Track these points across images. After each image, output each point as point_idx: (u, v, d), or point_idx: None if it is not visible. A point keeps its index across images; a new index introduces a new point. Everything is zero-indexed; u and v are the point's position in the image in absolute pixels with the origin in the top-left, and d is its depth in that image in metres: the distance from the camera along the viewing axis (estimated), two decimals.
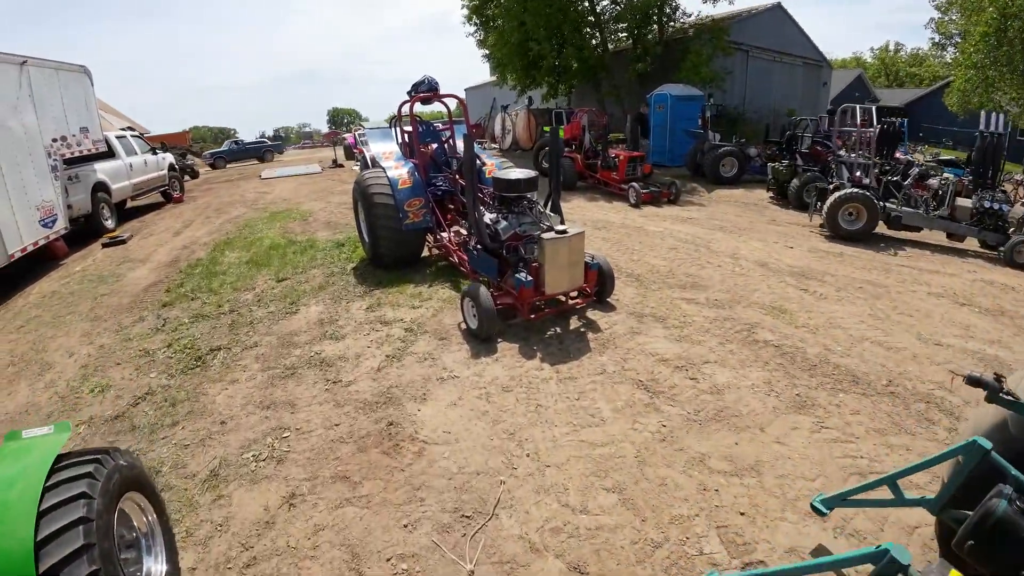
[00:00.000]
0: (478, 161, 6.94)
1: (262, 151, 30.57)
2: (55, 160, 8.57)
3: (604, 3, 17.83)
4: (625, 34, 18.49)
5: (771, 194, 12.16)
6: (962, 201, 8.17)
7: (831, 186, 9.07)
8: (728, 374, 4.10)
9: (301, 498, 3.12)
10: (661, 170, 14.97)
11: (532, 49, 16.84)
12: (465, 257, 5.92)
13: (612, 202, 11.54)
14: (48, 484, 2.06)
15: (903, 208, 8.45)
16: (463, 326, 5.05)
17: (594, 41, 18.01)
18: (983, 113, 8.92)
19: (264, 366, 4.71)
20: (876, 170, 9.07)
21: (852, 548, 2.57)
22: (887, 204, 8.51)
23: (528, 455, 3.26)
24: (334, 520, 2.91)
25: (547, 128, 17.70)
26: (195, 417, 4.06)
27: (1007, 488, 1.81)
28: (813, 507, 2.69)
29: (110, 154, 11.46)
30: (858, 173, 8.98)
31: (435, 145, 7.42)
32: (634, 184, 11.16)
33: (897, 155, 11.08)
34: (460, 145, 6.49)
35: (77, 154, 9.67)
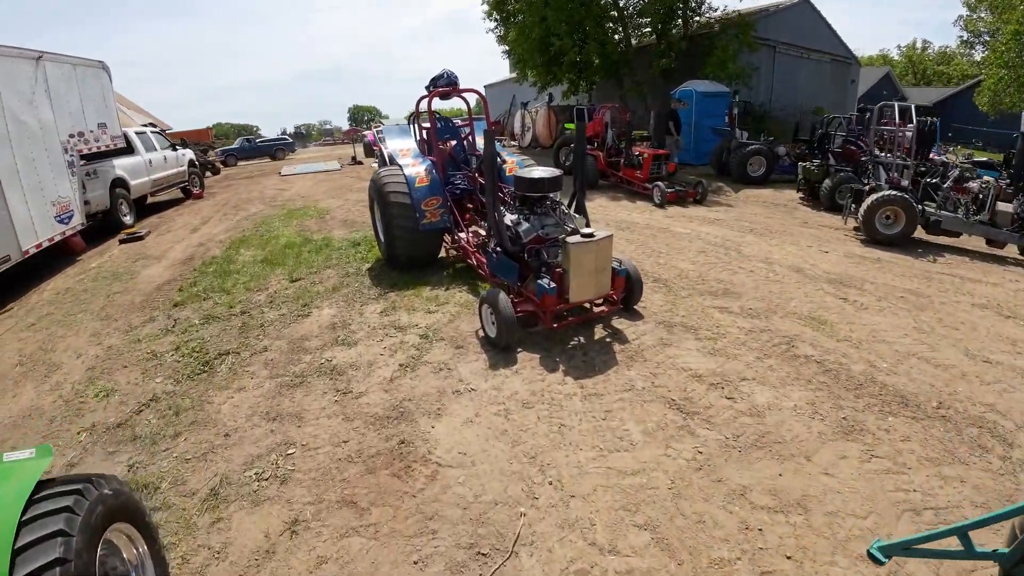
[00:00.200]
0: (498, 159, 6.66)
1: (273, 149, 30.73)
2: (72, 156, 8.51)
3: None
4: (649, 29, 18.00)
5: (801, 194, 11.68)
6: (1003, 206, 7.66)
7: (867, 187, 8.61)
8: (768, 393, 3.76)
9: (304, 525, 2.88)
10: (685, 169, 14.53)
11: (553, 44, 16.46)
12: (484, 260, 5.63)
13: (636, 202, 11.17)
14: (24, 518, 1.88)
15: (942, 212, 7.97)
16: (481, 333, 4.78)
17: (617, 36, 17.56)
18: None
19: (272, 373, 4.50)
20: (911, 171, 8.59)
21: None
22: (925, 207, 8.05)
23: (551, 483, 2.98)
24: (338, 552, 2.67)
25: (569, 125, 17.37)
26: (199, 428, 3.86)
27: None
28: (870, 555, 2.36)
29: (129, 150, 11.44)
30: (894, 174, 8.50)
31: (454, 142, 7.16)
32: (659, 183, 10.76)
33: (931, 156, 10.54)
34: (480, 142, 6.21)
35: (95, 150, 9.63)
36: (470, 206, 6.89)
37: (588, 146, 12.84)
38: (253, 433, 3.70)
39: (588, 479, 2.99)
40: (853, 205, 8.61)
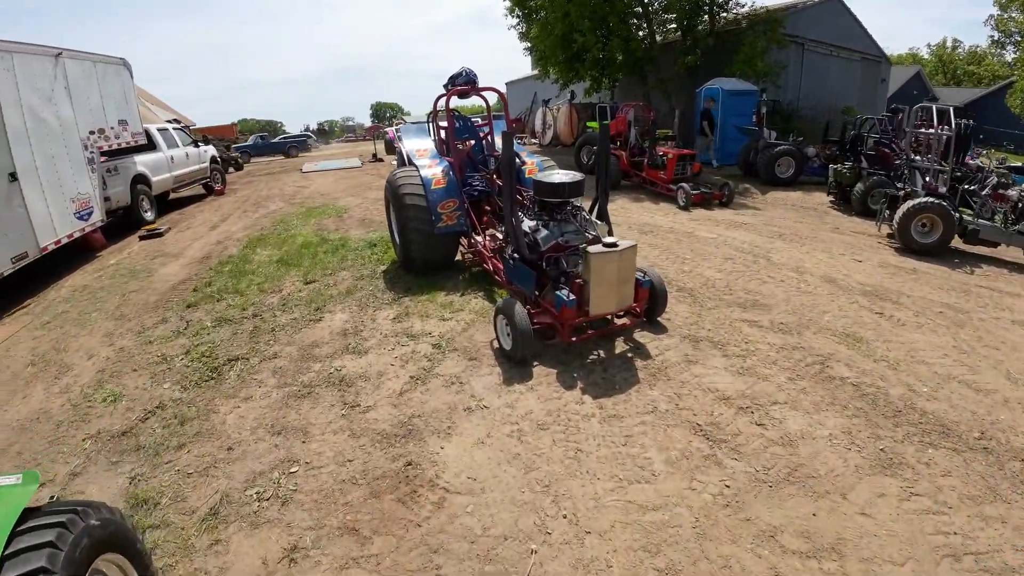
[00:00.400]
0: (517, 161, 6.45)
1: (286, 147, 30.95)
2: (92, 152, 8.54)
3: None
4: (674, 25, 17.56)
5: (831, 198, 11.23)
6: None
7: (902, 193, 8.19)
8: (801, 420, 3.49)
9: (303, 552, 2.73)
10: (710, 169, 14.13)
11: (576, 41, 16.14)
12: (500, 266, 5.44)
13: (659, 203, 10.85)
14: (7, 552, 1.78)
15: (979, 220, 7.53)
16: (495, 345, 4.59)
17: (641, 33, 17.16)
18: None
19: (281, 382, 4.37)
20: (948, 177, 8.14)
21: None
22: (962, 215, 7.62)
23: (565, 516, 2.77)
24: None
25: (591, 123, 17.03)
26: (203, 439, 3.74)
27: None
28: None
29: (151, 146, 11.50)
30: (929, 179, 8.06)
31: (472, 142, 6.97)
32: (683, 184, 10.42)
33: (966, 160, 10.01)
34: (500, 142, 6.01)
35: (115, 147, 9.67)
36: (488, 208, 6.69)
37: (610, 145, 12.54)
38: (257, 448, 3.57)
39: (606, 513, 2.77)
40: (887, 211, 8.22)
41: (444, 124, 6.69)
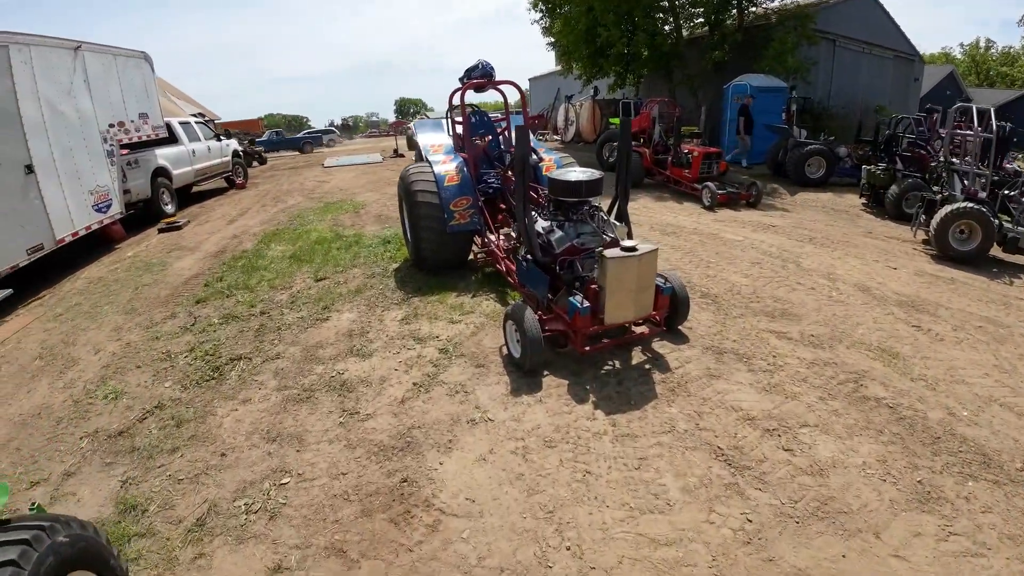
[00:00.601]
0: (535, 157, 6.20)
1: (300, 143, 31.16)
2: (111, 145, 8.56)
3: None
4: (701, 20, 17.04)
5: (864, 200, 10.70)
6: None
7: (939, 197, 7.72)
8: (833, 446, 3.19)
9: (288, 573, 2.56)
10: (737, 168, 13.65)
11: (600, 35, 15.76)
12: (514, 267, 5.20)
13: (682, 203, 10.48)
14: None
15: (1020, 228, 7.04)
16: (504, 351, 4.37)
17: (667, 27, 16.69)
18: None
19: (281, 384, 4.22)
20: (987, 181, 7.63)
21: None
22: (1002, 223, 7.13)
23: (568, 548, 2.54)
24: None
25: (614, 120, 16.66)
26: (197, 444, 3.61)
27: None
28: None
29: (173, 140, 11.55)
30: (970, 184, 7.57)
31: (489, 137, 6.74)
32: (709, 184, 10.02)
33: (1003, 164, 9.41)
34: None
35: (135, 140, 9.70)
36: (503, 206, 6.47)
37: (633, 142, 12.17)
38: (250, 455, 3.42)
39: (613, 547, 2.53)
40: (923, 216, 7.77)
41: (460, 119, 6.48)
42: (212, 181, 14.29)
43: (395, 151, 22.52)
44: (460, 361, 4.33)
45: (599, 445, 3.21)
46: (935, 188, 8.36)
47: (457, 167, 6.03)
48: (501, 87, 6.56)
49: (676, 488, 2.85)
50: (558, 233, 4.54)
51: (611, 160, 13.18)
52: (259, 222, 10.35)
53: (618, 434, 3.30)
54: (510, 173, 6.16)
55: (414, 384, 4.02)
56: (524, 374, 4.02)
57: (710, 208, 9.88)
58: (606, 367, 4.13)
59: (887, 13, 19.96)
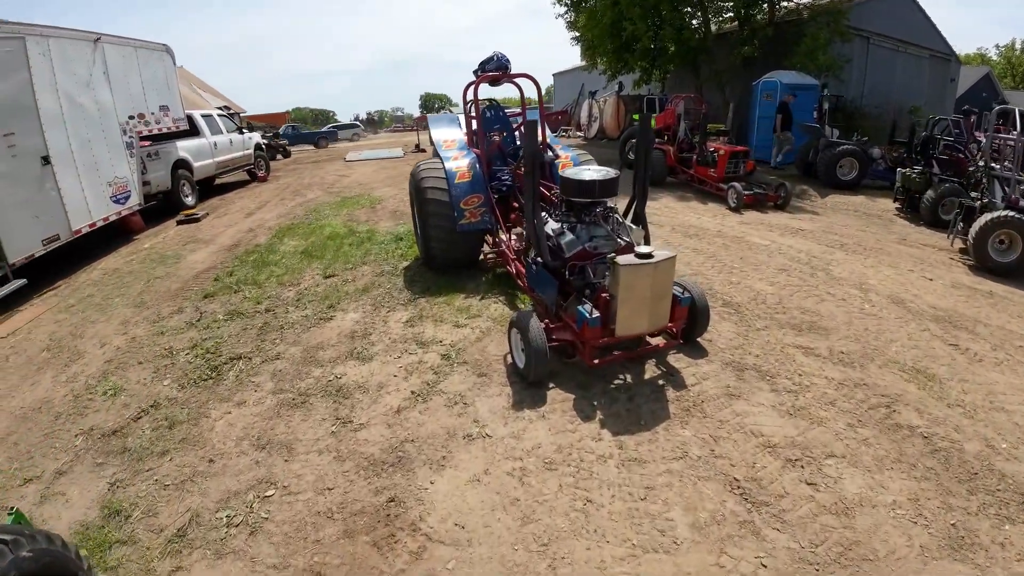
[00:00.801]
0: (550, 154, 5.96)
1: (316, 138, 31.35)
2: (131, 137, 8.59)
3: None
4: (731, 14, 16.48)
5: (898, 205, 10.15)
6: None
7: (978, 204, 7.23)
8: (861, 481, 2.90)
9: None
10: (765, 168, 13.15)
11: (626, 30, 15.34)
12: (524, 270, 4.98)
13: (707, 203, 10.10)
14: None
15: None
16: (509, 360, 4.16)
17: (695, 22, 16.18)
18: None
19: (277, 387, 4.10)
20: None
21: None
22: None
23: None
24: None
25: (637, 116, 16.23)
26: (187, 447, 3.50)
27: None
28: None
29: (194, 132, 11.61)
30: (1012, 192, 7.06)
31: (505, 133, 6.51)
32: (735, 184, 9.62)
33: None
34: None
35: (156, 132, 9.74)
36: (516, 205, 6.23)
37: (657, 140, 11.78)
38: (238, 463, 3.29)
39: None
40: (961, 223, 7.29)
41: (473, 114, 6.27)
42: (234, 174, 14.38)
43: (416, 146, 22.45)
44: (462, 369, 4.14)
45: (603, 470, 2.98)
46: (973, 194, 7.86)
47: (469, 164, 5.83)
48: (517, 80, 6.32)
49: (685, 524, 2.60)
50: (569, 236, 4.30)
51: (634, 158, 12.81)
52: (276, 216, 10.33)
53: (625, 458, 3.06)
54: (522, 170, 5.94)
55: (412, 393, 3.84)
56: (528, 385, 3.81)
57: (736, 209, 9.48)
58: (616, 381, 3.88)
59: (923, 11, 19.13)
